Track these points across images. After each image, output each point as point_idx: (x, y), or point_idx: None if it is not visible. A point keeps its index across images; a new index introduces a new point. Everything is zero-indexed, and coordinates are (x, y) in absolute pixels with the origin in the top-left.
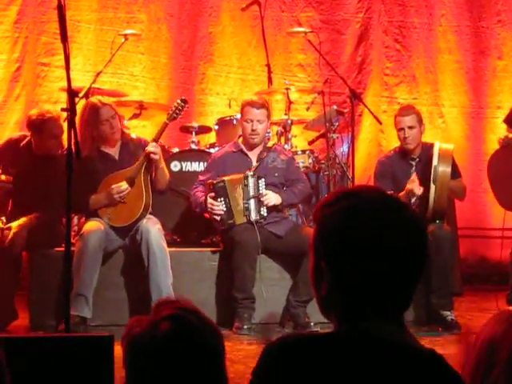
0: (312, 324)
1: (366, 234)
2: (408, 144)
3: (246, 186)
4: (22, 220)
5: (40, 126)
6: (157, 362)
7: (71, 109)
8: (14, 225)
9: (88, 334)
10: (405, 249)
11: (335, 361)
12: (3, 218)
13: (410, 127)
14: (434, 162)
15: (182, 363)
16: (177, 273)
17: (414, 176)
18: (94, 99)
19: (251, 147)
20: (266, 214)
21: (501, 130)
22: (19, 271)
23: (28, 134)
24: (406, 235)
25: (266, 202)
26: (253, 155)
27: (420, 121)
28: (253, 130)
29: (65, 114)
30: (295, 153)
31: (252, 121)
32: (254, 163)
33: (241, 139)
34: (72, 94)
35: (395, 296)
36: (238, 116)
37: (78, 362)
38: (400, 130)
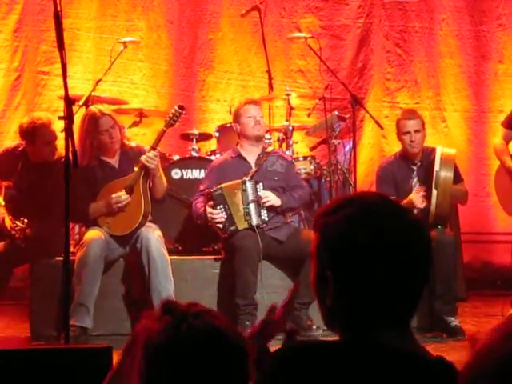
0: (314, 327)
1: (371, 242)
2: (414, 148)
3: (245, 190)
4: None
5: (32, 133)
6: (178, 361)
7: (69, 117)
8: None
9: (87, 345)
10: (410, 255)
11: (342, 370)
12: (24, 219)
13: (416, 131)
14: (436, 167)
15: (205, 364)
16: (178, 281)
17: (419, 187)
18: (94, 108)
19: (257, 140)
20: (267, 219)
21: None
22: (8, 280)
23: (22, 142)
24: (411, 242)
25: (264, 201)
26: (252, 160)
27: (423, 125)
28: (257, 121)
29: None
30: (296, 159)
31: (253, 115)
32: (253, 168)
33: (239, 145)
34: (69, 102)
35: (401, 303)
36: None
37: (77, 374)
38: (405, 133)
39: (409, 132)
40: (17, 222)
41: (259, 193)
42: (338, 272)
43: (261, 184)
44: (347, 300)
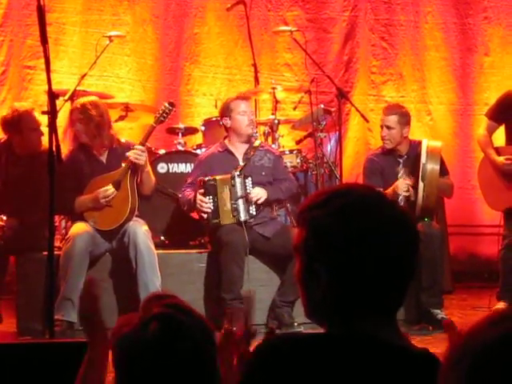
0: (296, 324)
1: (361, 236)
2: (385, 143)
3: (234, 186)
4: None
5: (18, 122)
6: (146, 362)
7: (52, 111)
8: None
9: (70, 339)
10: (399, 248)
11: (328, 361)
12: (3, 216)
13: (388, 127)
14: (423, 159)
15: (173, 363)
16: (165, 274)
17: (401, 173)
18: (80, 100)
19: (247, 140)
20: (255, 213)
21: None
22: (4, 275)
23: (2, 138)
24: (400, 233)
25: (254, 199)
26: (239, 154)
27: (403, 122)
28: (250, 120)
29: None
30: (283, 153)
31: (246, 112)
32: (241, 162)
33: (227, 140)
34: (53, 96)
35: (389, 295)
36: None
37: (61, 368)
38: (380, 127)
39: (382, 126)
40: None
41: (248, 189)
42: (328, 265)
43: (250, 178)
44: (335, 292)
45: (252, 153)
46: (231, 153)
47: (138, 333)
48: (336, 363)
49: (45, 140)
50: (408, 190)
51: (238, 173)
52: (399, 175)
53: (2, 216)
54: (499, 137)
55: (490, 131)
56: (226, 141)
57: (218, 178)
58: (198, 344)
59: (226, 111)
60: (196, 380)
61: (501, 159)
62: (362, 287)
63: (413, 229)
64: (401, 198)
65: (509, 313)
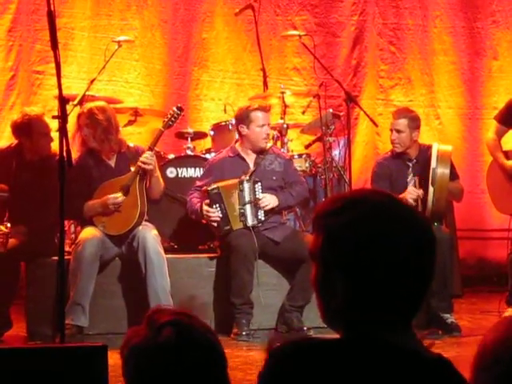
0: (305, 328)
1: (381, 245)
2: (395, 147)
3: (242, 191)
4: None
5: (28, 126)
6: (160, 369)
7: (62, 116)
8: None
9: (82, 343)
10: (419, 257)
11: (344, 367)
12: (7, 224)
13: (398, 131)
14: (433, 164)
15: (187, 368)
16: (174, 279)
17: (409, 178)
18: (88, 104)
19: (259, 151)
20: (263, 218)
21: None
22: (18, 280)
23: (13, 142)
24: (417, 241)
25: (263, 206)
26: (250, 160)
27: (413, 126)
28: (267, 135)
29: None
30: (292, 157)
31: (264, 125)
32: (252, 167)
33: (238, 144)
34: (63, 101)
35: (407, 303)
36: (234, 121)
37: (72, 373)
38: (390, 131)
39: (391, 130)
40: (0, 227)
41: (257, 194)
42: (343, 273)
43: (259, 184)
44: (351, 300)
45: (262, 157)
46: (242, 158)
47: (151, 339)
48: (351, 369)
49: (54, 145)
50: (415, 200)
51: (247, 178)
52: (408, 179)
53: (7, 223)
54: (509, 140)
55: (500, 135)
56: (238, 145)
57: (220, 185)
58: (212, 349)
59: (244, 119)
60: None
61: (510, 163)
62: (378, 294)
63: (430, 234)
64: (410, 202)
65: None
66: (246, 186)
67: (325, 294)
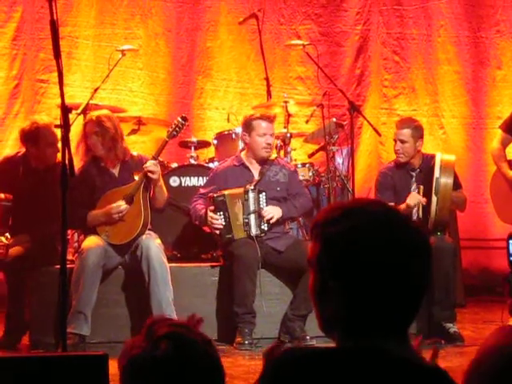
0: (308, 338)
1: (376, 255)
2: (399, 157)
3: (247, 200)
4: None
5: (36, 135)
6: (157, 382)
7: (65, 125)
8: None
9: (83, 352)
10: (413, 267)
11: (340, 376)
12: (7, 235)
13: (402, 141)
14: (436, 173)
15: (186, 381)
16: (177, 288)
17: (413, 187)
18: (95, 112)
19: (262, 161)
20: (266, 229)
21: None
22: (24, 290)
23: (21, 150)
24: (412, 251)
25: (267, 218)
26: (255, 169)
27: (417, 136)
28: (268, 144)
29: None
30: (295, 166)
31: (266, 134)
32: (256, 177)
33: (243, 153)
34: (66, 110)
35: (401, 312)
36: (237, 130)
37: (72, 382)
38: (394, 141)
39: (395, 140)
40: (1, 238)
41: (261, 205)
42: (340, 281)
43: (264, 194)
44: (347, 308)
45: (267, 167)
46: (247, 167)
47: (149, 352)
48: (345, 377)
49: (59, 154)
50: (416, 205)
51: (252, 187)
52: (412, 189)
53: (7, 235)
54: None
55: (505, 144)
56: (243, 154)
57: (226, 193)
58: (211, 362)
59: (247, 127)
60: None
61: None
62: (373, 303)
63: (426, 247)
64: (415, 211)
65: None
66: (251, 195)
67: (321, 301)
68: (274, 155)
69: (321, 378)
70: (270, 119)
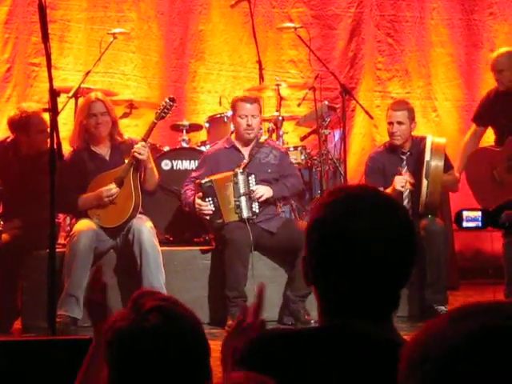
0: (312, 321)
1: (358, 235)
2: (394, 139)
3: (236, 183)
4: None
5: (26, 123)
6: (145, 353)
7: (53, 109)
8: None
9: (74, 336)
10: (394, 248)
11: (319, 354)
12: (0, 221)
13: (399, 122)
14: (427, 156)
15: (171, 354)
16: (169, 271)
17: (404, 170)
18: (93, 93)
19: (246, 143)
20: (257, 211)
21: None
22: (18, 275)
23: (10, 136)
24: (397, 231)
25: (257, 197)
26: (245, 151)
27: (411, 118)
28: (248, 125)
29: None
30: (287, 149)
31: (246, 116)
32: (246, 159)
33: (233, 135)
34: (54, 94)
35: (385, 293)
36: (229, 113)
37: (59, 365)
38: (389, 123)
39: (392, 122)
40: None
41: (251, 186)
42: (320, 264)
43: (253, 176)
44: (328, 290)
45: (257, 149)
46: (237, 149)
47: (137, 324)
48: (325, 356)
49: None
50: (404, 185)
51: (240, 170)
52: (402, 172)
53: (0, 221)
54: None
55: (478, 136)
56: (233, 136)
57: (213, 178)
58: (197, 336)
59: (232, 108)
60: (194, 371)
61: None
62: (353, 285)
63: (409, 226)
64: (405, 195)
65: (471, 308)
66: (241, 178)
67: (306, 277)
68: (264, 137)
69: (300, 357)
70: (251, 100)
